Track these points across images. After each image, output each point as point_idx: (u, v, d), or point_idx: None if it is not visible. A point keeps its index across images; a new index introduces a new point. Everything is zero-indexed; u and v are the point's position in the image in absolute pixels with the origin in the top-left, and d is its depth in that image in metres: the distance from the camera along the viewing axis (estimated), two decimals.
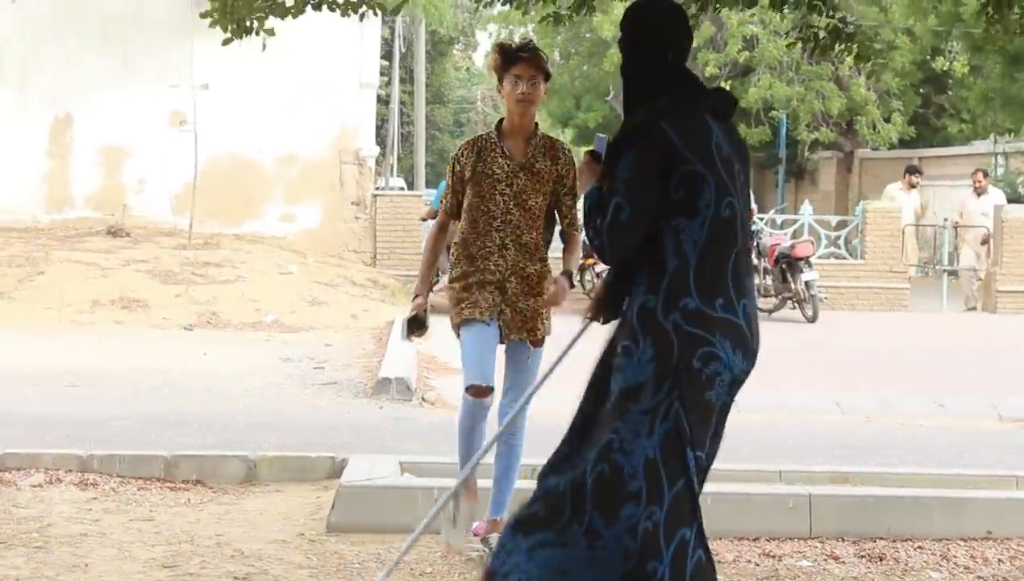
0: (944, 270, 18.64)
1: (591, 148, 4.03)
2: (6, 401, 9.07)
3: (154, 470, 6.95)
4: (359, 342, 12.83)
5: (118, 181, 17.93)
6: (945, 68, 28.42)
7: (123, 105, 17.54)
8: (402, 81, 35.12)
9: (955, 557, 5.77)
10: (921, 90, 30.69)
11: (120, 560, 5.38)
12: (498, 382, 5.19)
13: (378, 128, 22.20)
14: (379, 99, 22.78)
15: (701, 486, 3.74)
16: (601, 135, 4.14)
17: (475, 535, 5.36)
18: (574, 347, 4.19)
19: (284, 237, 17.71)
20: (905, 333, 14.76)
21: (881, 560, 5.70)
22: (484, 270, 5.02)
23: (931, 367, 12.09)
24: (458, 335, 5.15)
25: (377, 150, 20.60)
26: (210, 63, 15.09)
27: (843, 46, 6.26)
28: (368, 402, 9.65)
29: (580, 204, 4.52)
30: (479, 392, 4.95)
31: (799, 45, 8.08)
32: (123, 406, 9.06)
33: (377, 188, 20.25)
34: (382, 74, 24.16)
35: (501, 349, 5.24)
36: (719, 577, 4.07)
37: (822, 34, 6.12)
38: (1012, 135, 27.12)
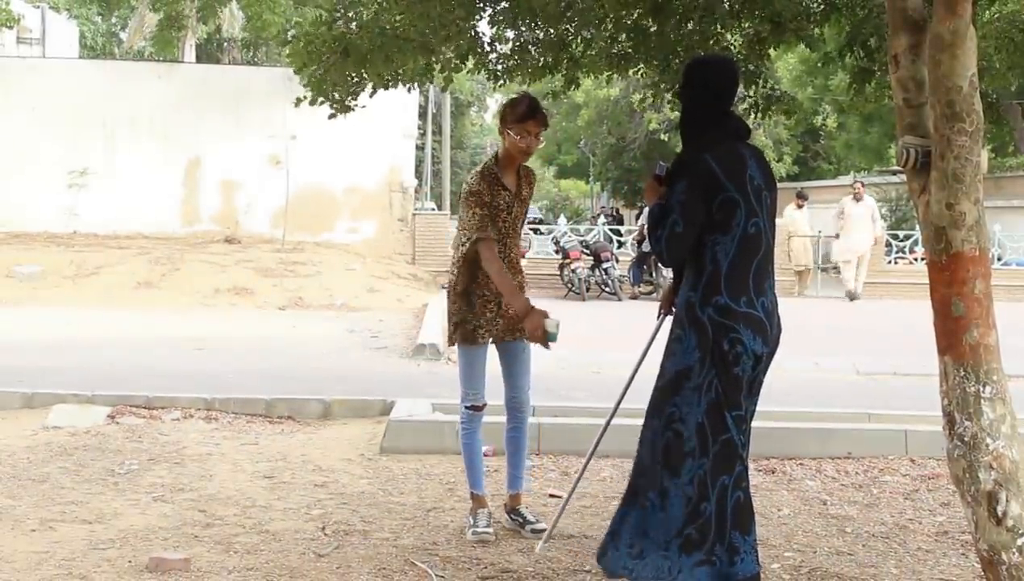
0: (820, 267, 18.58)
1: (655, 172, 3.68)
2: (155, 359, 9.08)
3: (258, 409, 6.95)
4: (403, 318, 12.81)
5: (232, 205, 17.86)
6: (819, 124, 28.42)
7: (236, 151, 17.48)
8: (433, 133, 35.04)
9: (825, 471, 5.77)
10: (802, 140, 30.66)
11: (234, 472, 5.40)
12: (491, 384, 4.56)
13: (416, 167, 22.07)
14: (417, 146, 22.70)
15: (745, 435, 3.49)
16: (662, 162, 3.76)
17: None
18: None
19: (350, 244, 17.62)
20: (790, 312, 14.70)
21: (773, 473, 5.70)
22: (485, 286, 4.32)
23: (809, 336, 12.05)
24: (454, 342, 4.50)
25: (415, 182, 20.50)
26: (297, 120, 14.98)
27: (775, 107, 6.19)
28: (409, 361, 9.61)
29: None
30: (476, 409, 4.48)
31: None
32: (236, 363, 9.05)
33: (415, 209, 20.16)
34: (419, 128, 24.10)
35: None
36: None
37: (759, 100, 6.04)
38: (866, 172, 27.23)
